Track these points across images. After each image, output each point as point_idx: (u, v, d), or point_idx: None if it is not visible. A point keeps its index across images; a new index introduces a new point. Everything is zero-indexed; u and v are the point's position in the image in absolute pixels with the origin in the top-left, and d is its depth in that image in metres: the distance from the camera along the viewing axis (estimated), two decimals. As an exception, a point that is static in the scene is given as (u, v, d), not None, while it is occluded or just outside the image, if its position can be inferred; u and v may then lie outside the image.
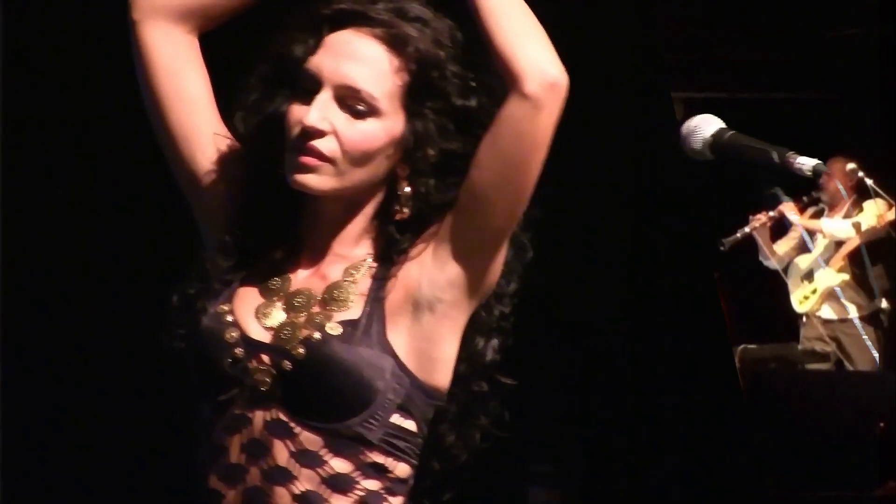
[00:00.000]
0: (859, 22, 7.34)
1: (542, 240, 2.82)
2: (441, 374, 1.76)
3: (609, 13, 7.49)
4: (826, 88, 7.53)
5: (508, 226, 1.76)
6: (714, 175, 8.25)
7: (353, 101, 1.74)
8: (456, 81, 1.76)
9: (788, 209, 7.46)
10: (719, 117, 7.09)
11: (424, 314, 1.74)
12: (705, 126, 1.91)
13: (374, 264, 1.78)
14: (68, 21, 2.45)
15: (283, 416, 1.72)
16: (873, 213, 7.29)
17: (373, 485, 1.73)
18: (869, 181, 7.28)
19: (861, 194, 7.39)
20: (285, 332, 1.72)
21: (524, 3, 1.76)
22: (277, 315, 1.75)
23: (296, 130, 1.72)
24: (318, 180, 1.73)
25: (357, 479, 1.72)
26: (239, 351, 1.73)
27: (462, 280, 1.74)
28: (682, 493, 6.45)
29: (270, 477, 1.71)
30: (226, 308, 1.76)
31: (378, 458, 1.73)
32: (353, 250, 1.79)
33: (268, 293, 1.77)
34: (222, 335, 1.74)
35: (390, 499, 1.75)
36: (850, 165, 7.31)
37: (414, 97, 1.76)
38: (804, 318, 7.50)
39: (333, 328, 1.71)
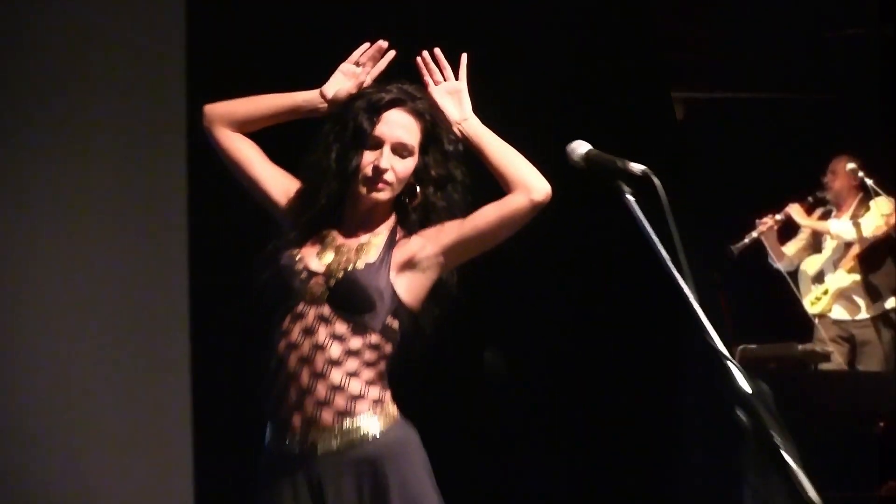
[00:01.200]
0: (859, 22, 7.34)
1: (544, 238, 3.92)
2: (416, 301, 3.07)
3: (610, 14, 7.51)
4: (826, 88, 7.52)
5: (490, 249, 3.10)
6: (718, 179, 8.24)
7: (400, 150, 3.07)
8: (444, 133, 3.11)
9: (795, 211, 7.44)
10: (719, 117, 7.12)
11: (418, 272, 3.06)
12: (579, 148, 2.86)
13: (388, 235, 3.08)
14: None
15: (326, 312, 3.00)
16: (879, 212, 7.26)
17: (371, 355, 3.02)
18: (869, 181, 7.26)
19: (867, 192, 7.36)
20: (333, 265, 3.03)
21: (510, 149, 3.08)
22: (329, 257, 3.05)
23: (370, 169, 3.04)
24: (383, 195, 3.07)
25: (363, 351, 3.00)
26: (304, 275, 3.03)
27: (448, 262, 3.09)
28: (681, 492, 6.54)
29: (314, 348, 2.98)
30: (296, 253, 3.06)
31: (376, 339, 3.02)
32: (376, 226, 3.10)
33: (323, 246, 3.07)
34: (294, 266, 3.04)
35: (380, 363, 3.03)
36: (851, 165, 7.29)
37: (425, 142, 3.10)
38: (816, 320, 7.49)
39: (360, 265, 3.03)
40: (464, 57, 3.15)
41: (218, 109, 3.19)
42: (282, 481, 3.00)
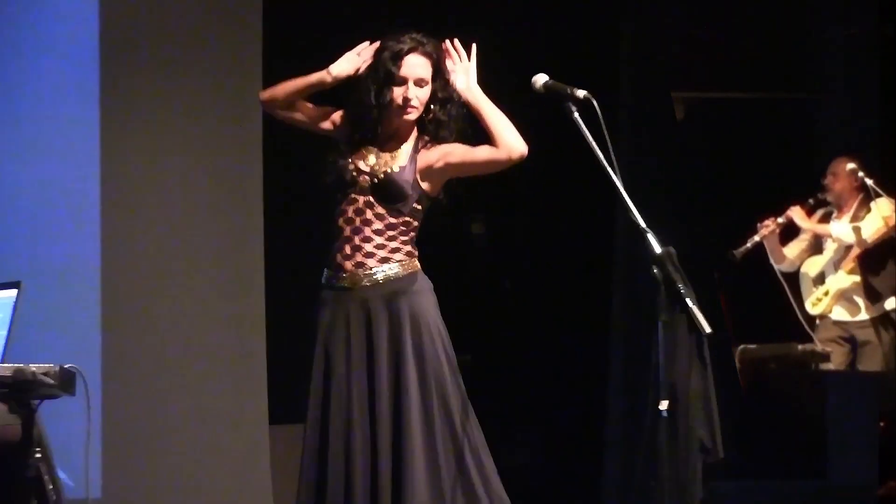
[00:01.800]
0: (859, 22, 7.33)
1: (547, 238, 7.03)
2: (434, 191, 4.32)
3: (611, 15, 7.50)
4: (826, 88, 7.50)
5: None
6: (717, 179, 8.17)
7: (420, 83, 4.29)
8: (446, 67, 4.31)
9: (796, 214, 7.40)
10: (719, 117, 7.19)
11: (434, 174, 4.30)
12: (539, 79, 3.97)
13: (413, 144, 4.35)
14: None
15: (371, 199, 4.28)
16: (879, 214, 7.23)
17: (404, 228, 4.28)
18: (869, 181, 7.23)
19: (868, 193, 7.32)
20: (375, 167, 4.30)
21: (501, 114, 4.27)
22: (372, 160, 4.32)
23: (400, 99, 4.27)
24: (411, 117, 4.30)
25: (398, 225, 4.28)
26: (355, 173, 4.30)
27: (454, 173, 4.32)
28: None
29: (363, 222, 4.27)
30: (349, 160, 4.31)
31: (407, 217, 4.29)
32: (404, 138, 4.34)
33: (367, 153, 4.32)
34: (347, 167, 4.30)
35: (410, 233, 4.30)
36: (850, 165, 7.25)
37: (434, 73, 4.31)
38: (818, 321, 7.45)
39: (395, 167, 4.30)
40: (473, 45, 4.34)
41: (265, 96, 4.44)
42: (337, 307, 4.30)
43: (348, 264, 4.29)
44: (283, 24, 6.13)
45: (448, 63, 4.34)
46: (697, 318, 3.55)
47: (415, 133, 4.37)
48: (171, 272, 5.42)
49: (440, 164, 4.30)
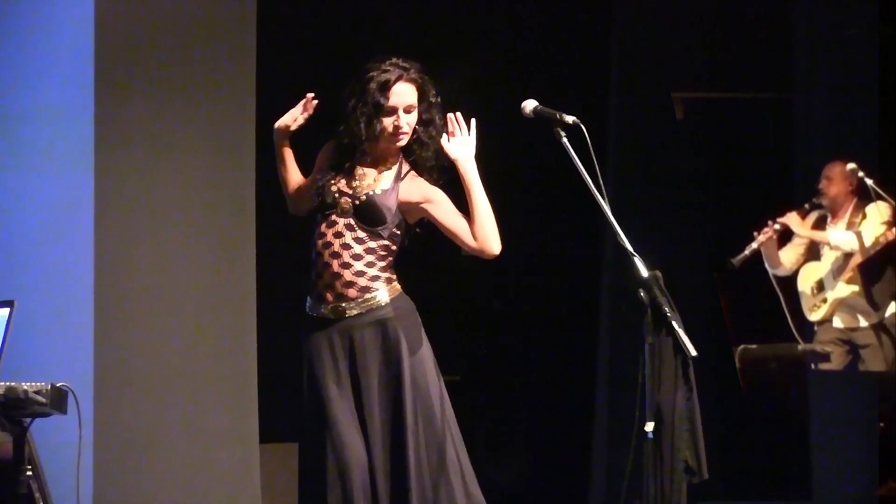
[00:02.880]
0: (859, 22, 7.31)
1: (536, 259, 7.09)
2: (413, 219, 4.37)
3: (611, 15, 7.50)
4: (826, 88, 7.48)
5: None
6: (717, 179, 8.16)
7: (409, 109, 4.34)
8: (429, 90, 4.39)
9: (793, 221, 7.38)
10: (719, 117, 7.20)
11: (414, 209, 4.34)
12: (528, 104, 4.07)
13: (396, 168, 4.38)
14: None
15: (352, 222, 4.31)
16: (877, 219, 7.20)
17: (383, 252, 4.32)
18: (869, 181, 7.21)
19: (862, 197, 7.30)
20: (358, 189, 4.34)
21: (489, 207, 4.35)
22: (355, 183, 4.34)
23: (391, 127, 4.32)
24: (402, 143, 4.35)
25: (378, 249, 4.31)
26: (337, 195, 4.34)
27: (426, 217, 4.38)
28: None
29: (343, 246, 4.29)
30: (333, 182, 4.35)
31: (386, 242, 4.32)
32: (388, 162, 4.39)
33: (351, 177, 4.36)
34: (330, 188, 4.34)
35: (389, 257, 4.33)
36: (850, 166, 7.23)
37: (419, 100, 4.36)
38: (816, 326, 7.42)
39: (377, 190, 4.33)
40: (473, 120, 4.41)
41: (291, 210, 4.60)
42: (321, 336, 4.33)
43: (329, 295, 4.32)
44: (276, 36, 6.19)
45: (450, 135, 4.38)
46: (683, 341, 3.65)
47: (400, 158, 4.42)
48: (163, 291, 5.54)
49: (420, 206, 4.38)
